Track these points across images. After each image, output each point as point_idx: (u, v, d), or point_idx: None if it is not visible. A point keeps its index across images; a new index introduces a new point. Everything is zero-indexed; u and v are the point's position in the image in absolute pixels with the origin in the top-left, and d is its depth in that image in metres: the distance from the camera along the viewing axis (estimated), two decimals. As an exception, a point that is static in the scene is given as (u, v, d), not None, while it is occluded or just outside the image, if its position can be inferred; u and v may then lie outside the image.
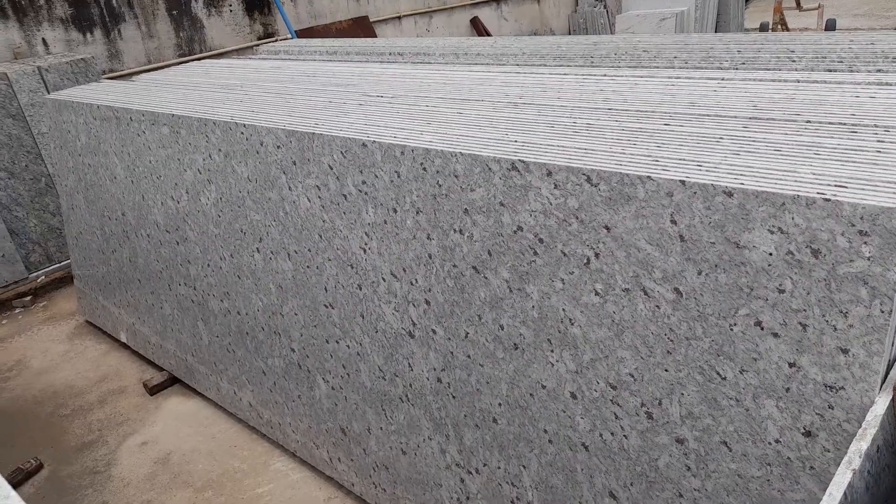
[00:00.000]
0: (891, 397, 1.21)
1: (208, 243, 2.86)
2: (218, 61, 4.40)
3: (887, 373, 1.27)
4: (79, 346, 3.98)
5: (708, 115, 1.79)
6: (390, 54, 3.69)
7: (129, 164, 3.22)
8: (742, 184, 1.31)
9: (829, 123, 1.59)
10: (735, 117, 1.74)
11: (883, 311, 1.18)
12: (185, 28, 6.47)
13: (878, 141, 1.44)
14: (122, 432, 3.14)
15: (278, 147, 2.32)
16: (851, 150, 1.41)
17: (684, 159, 1.49)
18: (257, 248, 2.59)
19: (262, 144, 2.39)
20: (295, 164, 2.28)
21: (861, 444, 1.11)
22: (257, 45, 6.23)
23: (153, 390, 3.41)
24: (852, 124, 1.56)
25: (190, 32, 6.51)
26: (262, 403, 2.88)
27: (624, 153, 1.59)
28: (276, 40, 7.15)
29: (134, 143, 3.13)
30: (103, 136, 3.35)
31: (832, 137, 1.50)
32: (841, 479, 1.04)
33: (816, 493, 1.33)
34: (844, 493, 1.03)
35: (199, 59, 6.48)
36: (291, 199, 2.35)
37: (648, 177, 1.42)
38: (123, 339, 3.83)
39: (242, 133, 2.46)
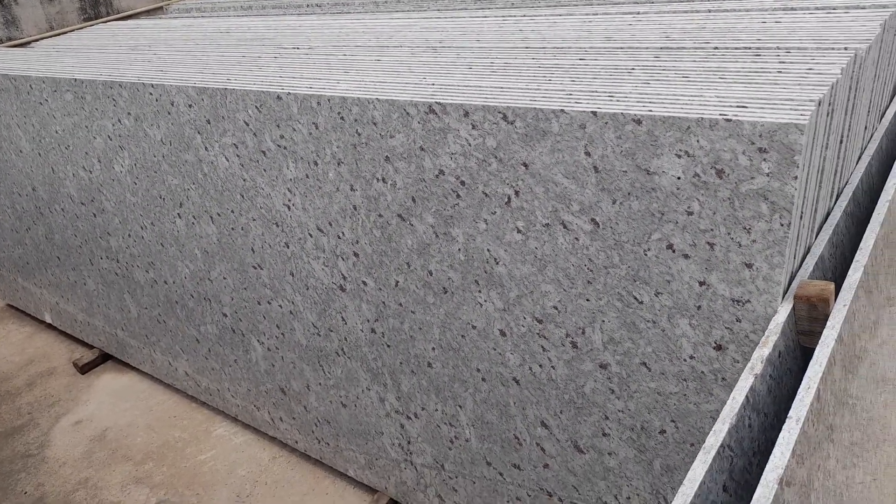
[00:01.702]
0: (791, 306, 1.28)
1: (127, 213, 2.74)
2: (125, 23, 4.16)
3: (790, 284, 1.34)
4: (1, 330, 3.80)
5: (622, 48, 1.81)
6: (308, 6, 3.56)
7: (34, 136, 3.03)
8: (650, 111, 1.34)
9: (736, 49, 1.63)
10: (648, 48, 1.77)
11: (783, 225, 1.23)
12: (89, -10, 6.07)
13: (780, 62, 1.49)
14: (53, 413, 3.04)
15: (190, 106, 2.23)
16: (754, 72, 1.45)
17: (596, 91, 1.50)
18: (178, 214, 2.51)
19: (172, 104, 2.29)
20: (209, 122, 2.20)
21: (763, 351, 1.17)
22: (168, 4, 5.91)
23: (84, 369, 3.30)
24: (757, 48, 1.61)
25: (94, -6, 6.12)
26: (199, 371, 2.83)
27: (539, 89, 1.59)
28: None
29: (37, 113, 2.94)
30: (3, 107, 3.14)
31: (737, 62, 1.54)
32: (743, 384, 1.10)
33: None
34: (746, 396, 1.09)
35: (105, 22, 6.11)
36: (209, 159, 2.27)
37: (562, 110, 1.43)
38: (48, 320, 3.67)
39: (151, 94, 2.34)
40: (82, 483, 2.60)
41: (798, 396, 1.06)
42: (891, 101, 2.15)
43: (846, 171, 1.72)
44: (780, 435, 0.99)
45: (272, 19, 3.36)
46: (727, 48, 1.65)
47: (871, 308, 1.44)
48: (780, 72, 1.42)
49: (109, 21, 6.10)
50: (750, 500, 1.06)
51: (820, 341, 1.17)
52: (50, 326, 3.73)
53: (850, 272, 1.34)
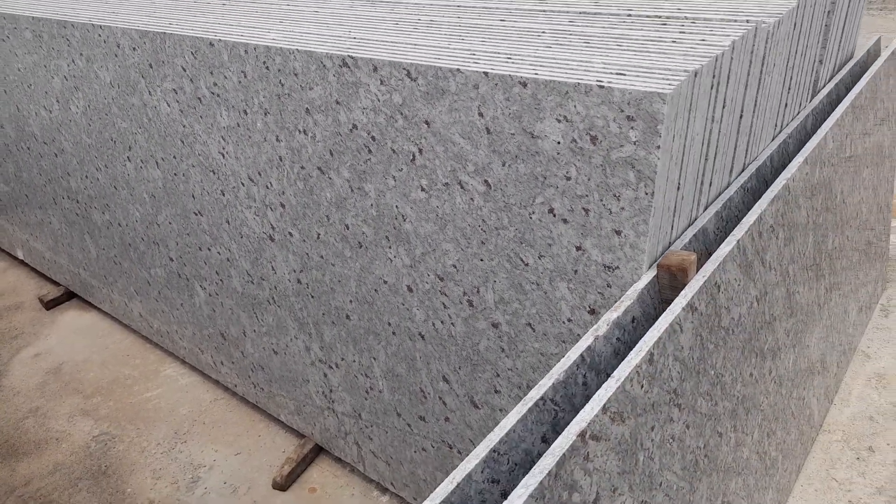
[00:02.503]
0: (654, 275, 1.30)
1: (83, 154, 2.79)
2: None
3: (662, 254, 1.36)
4: (-25, 264, 3.90)
5: (545, 11, 1.80)
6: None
7: None
8: (536, 74, 1.35)
9: (647, 17, 1.62)
10: (569, 13, 1.76)
11: (647, 193, 1.25)
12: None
13: (680, 32, 1.48)
14: (15, 345, 3.14)
15: (134, 49, 2.25)
16: (650, 40, 1.45)
17: (499, 53, 1.51)
18: (128, 157, 2.55)
19: (118, 47, 2.31)
20: (151, 66, 2.22)
21: (612, 315, 1.21)
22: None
23: (49, 305, 3.39)
24: (667, 17, 1.60)
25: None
26: (151, 313, 2.91)
27: (448, 48, 1.60)
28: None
29: (0, 50, 2.97)
30: (-27, 41, 3.17)
31: (641, 30, 1.53)
32: (581, 343, 1.14)
33: (602, 366, 1.45)
34: (581, 355, 1.13)
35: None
36: (152, 104, 2.30)
37: (458, 69, 1.44)
38: (20, 257, 3.76)
39: (100, 35, 2.36)
40: (32, 411, 2.71)
41: (627, 358, 1.10)
42: (829, 80, 2.13)
43: (756, 148, 1.72)
44: (597, 392, 1.03)
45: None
46: (641, 16, 1.64)
47: (751, 283, 1.47)
48: (675, 41, 1.42)
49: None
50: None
51: (668, 308, 1.21)
52: (23, 262, 3.83)
53: (721, 246, 1.36)
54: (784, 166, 1.78)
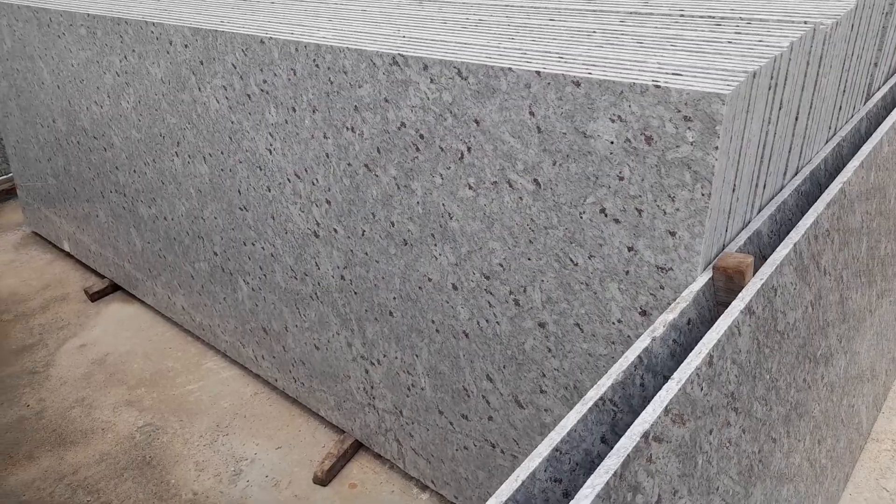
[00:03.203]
0: (710, 276, 1.29)
1: (132, 149, 2.86)
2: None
3: (717, 256, 1.35)
4: (24, 255, 4.02)
5: (594, 11, 1.79)
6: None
7: (53, 69, 3.16)
8: (590, 74, 1.34)
9: (701, 17, 1.60)
10: (618, 13, 1.75)
11: (703, 195, 1.24)
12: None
13: (736, 33, 1.46)
14: (61, 336, 3.23)
15: (186, 46, 2.30)
16: (706, 41, 1.44)
17: (550, 52, 1.51)
18: (176, 153, 2.60)
19: (171, 44, 2.36)
20: (202, 63, 2.26)
21: (668, 316, 1.20)
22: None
23: (94, 297, 3.48)
24: (721, 18, 1.58)
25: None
26: (193, 307, 2.97)
27: (499, 47, 1.60)
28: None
29: (56, 46, 3.06)
30: (27, 38, 3.27)
31: (695, 30, 1.52)
32: (639, 345, 1.13)
33: (651, 368, 1.44)
34: (639, 356, 1.12)
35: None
36: (202, 100, 2.34)
37: (510, 68, 1.45)
38: (67, 249, 3.87)
39: (153, 32, 2.42)
40: (79, 401, 2.79)
41: (687, 359, 1.09)
42: (882, 84, 2.08)
43: (810, 151, 1.69)
44: (658, 393, 1.03)
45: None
46: (694, 16, 1.62)
47: (806, 288, 1.44)
48: (731, 42, 1.40)
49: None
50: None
51: (726, 311, 1.19)
52: (68, 255, 3.93)
53: (778, 248, 1.34)
54: (838, 170, 1.75)
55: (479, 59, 1.53)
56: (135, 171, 2.91)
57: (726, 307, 1.32)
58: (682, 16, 1.63)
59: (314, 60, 1.87)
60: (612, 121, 1.31)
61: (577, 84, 1.34)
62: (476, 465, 1.98)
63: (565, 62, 1.43)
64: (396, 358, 2.08)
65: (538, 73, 1.40)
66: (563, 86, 1.37)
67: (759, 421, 1.36)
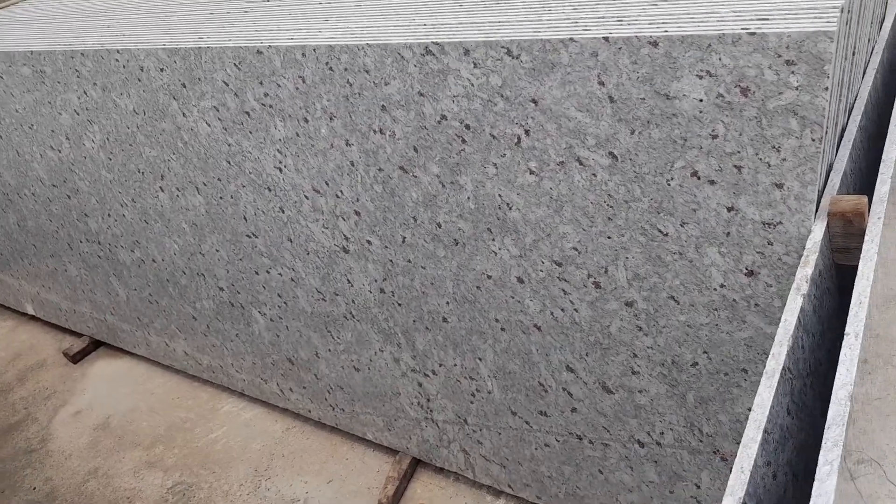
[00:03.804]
0: (825, 223, 1.24)
1: (104, 191, 2.62)
2: (72, -8, 3.91)
3: (818, 201, 1.30)
4: (-19, 327, 3.67)
5: (617, -26, 1.72)
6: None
7: (-8, 118, 2.86)
8: (666, 32, 1.27)
9: (739, -36, 1.55)
10: (645, -28, 1.68)
11: (814, 140, 1.19)
12: (26, -38, 5.70)
13: (790, -26, 1.42)
14: (51, 406, 2.95)
15: (162, 70, 2.10)
16: (766, -15, 1.38)
17: (603, 17, 1.42)
18: (160, 188, 2.39)
19: (142, 70, 2.15)
20: (185, 86, 2.07)
21: (806, 271, 1.14)
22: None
23: (76, 358, 3.20)
24: (761, -38, 1.53)
25: (32, -33, 5.75)
26: (199, 349, 2.76)
27: (541, 20, 1.51)
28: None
29: (-7, 93, 2.76)
30: (-46, 90, 2.94)
31: (745, -24, 1.46)
32: (793, 305, 1.07)
33: (763, 328, 1.39)
34: (798, 318, 1.06)
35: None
36: (188, 126, 2.15)
37: (571, 39, 1.36)
38: (31, 312, 3.54)
39: (118, 60, 2.20)
40: (92, 473, 2.55)
41: (852, 312, 1.03)
42: (884, 12, 2.10)
43: (854, 85, 1.68)
44: (843, 352, 0.97)
45: (232, -24, 3.18)
46: (732, -38, 1.57)
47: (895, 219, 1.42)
48: (796, -20, 1.36)
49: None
50: (813, 421, 1.04)
51: (862, 255, 1.15)
52: (33, 318, 3.61)
53: (877, 185, 1.31)
54: (878, 101, 1.75)
55: (527, 34, 1.43)
56: (109, 214, 2.67)
57: (842, 253, 1.28)
58: (719, -36, 1.58)
59: (327, 63, 1.73)
60: (700, 77, 1.25)
61: (655, 44, 1.27)
62: (561, 461, 1.90)
63: (628, 24, 1.35)
64: (455, 365, 1.97)
65: (606, 38, 1.31)
66: (637, 48, 1.29)
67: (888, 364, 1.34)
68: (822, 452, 0.83)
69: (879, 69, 1.81)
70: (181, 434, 2.63)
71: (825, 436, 0.85)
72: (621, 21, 1.38)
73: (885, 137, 1.48)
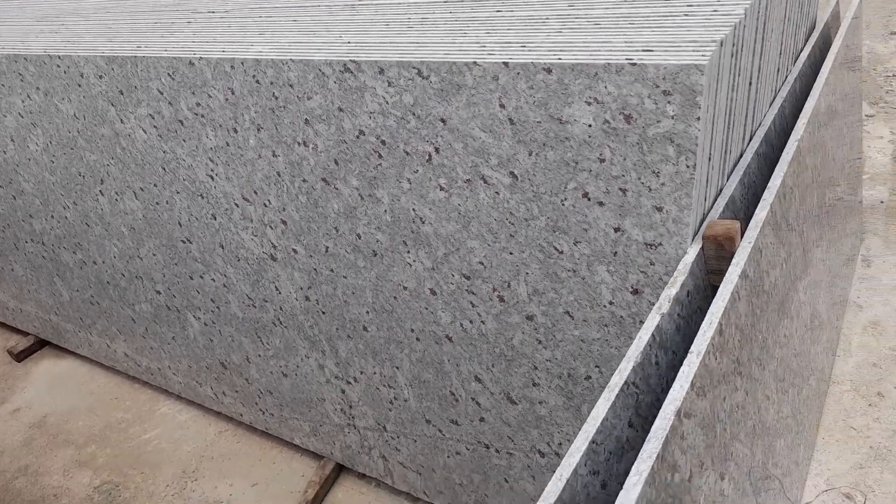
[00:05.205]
0: (700, 246, 1.31)
1: (48, 193, 2.63)
2: (36, -8, 3.92)
3: (700, 225, 1.37)
4: (-73, 323, 3.64)
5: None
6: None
7: (-59, 115, 2.86)
8: (560, 59, 1.33)
9: (645, -3, 1.63)
10: None
11: (688, 167, 1.25)
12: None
13: (688, 5, 1.49)
14: (-11, 405, 2.95)
15: (100, 77, 2.13)
16: (662, 16, 1.46)
17: (510, 42, 1.49)
18: (100, 191, 2.42)
19: (82, 76, 2.18)
20: (122, 93, 2.11)
21: (671, 291, 1.20)
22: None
23: (20, 356, 3.20)
24: (665, -4, 1.61)
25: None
26: (138, 351, 2.77)
27: (455, 43, 1.57)
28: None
29: (-59, 90, 2.77)
30: None
31: (647, 7, 1.54)
32: (650, 324, 1.13)
33: (650, 345, 1.45)
34: (652, 335, 1.12)
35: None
36: (126, 132, 2.18)
37: (475, 62, 1.42)
38: (-22, 310, 3.53)
39: (59, 66, 2.23)
40: (22, 470, 2.54)
41: (700, 331, 1.09)
42: (804, 44, 2.20)
43: (759, 114, 1.76)
44: (681, 369, 1.02)
45: (191, -17, 3.22)
46: (639, -5, 1.65)
47: (780, 245, 1.49)
48: (687, 15, 1.43)
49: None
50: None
51: (724, 278, 1.21)
52: (-20, 316, 3.59)
53: (756, 211, 1.38)
54: (784, 129, 1.83)
55: (437, 56, 1.49)
56: (53, 216, 2.69)
57: (717, 275, 1.35)
58: (626, -4, 1.65)
59: (254, 76, 1.77)
60: (589, 104, 1.31)
61: (549, 70, 1.33)
62: (471, 469, 1.94)
63: (529, 51, 1.41)
64: (375, 373, 2.01)
65: (505, 63, 1.38)
66: (533, 74, 1.35)
67: (756, 381, 1.40)
68: (635, 463, 0.88)
69: (788, 98, 1.89)
70: (115, 434, 2.64)
71: (643, 447, 0.90)
72: (524, 47, 1.44)
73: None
